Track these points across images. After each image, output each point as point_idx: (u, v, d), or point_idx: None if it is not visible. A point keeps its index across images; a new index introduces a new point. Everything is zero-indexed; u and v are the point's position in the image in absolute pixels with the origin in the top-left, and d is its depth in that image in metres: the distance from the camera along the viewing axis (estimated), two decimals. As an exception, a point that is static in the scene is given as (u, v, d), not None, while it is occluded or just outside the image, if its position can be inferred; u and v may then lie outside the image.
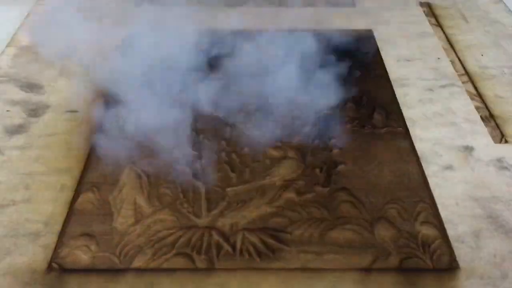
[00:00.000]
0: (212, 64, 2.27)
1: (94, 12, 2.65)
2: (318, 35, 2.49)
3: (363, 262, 1.48)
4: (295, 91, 2.11)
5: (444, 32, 2.57)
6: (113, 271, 1.45)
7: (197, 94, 2.07)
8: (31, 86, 2.13)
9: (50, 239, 1.53)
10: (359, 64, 2.30)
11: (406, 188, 1.71)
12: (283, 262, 1.48)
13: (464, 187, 1.72)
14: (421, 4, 2.80)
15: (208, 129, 1.93)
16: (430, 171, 1.77)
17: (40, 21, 2.58)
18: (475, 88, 2.18)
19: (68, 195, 1.67)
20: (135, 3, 2.80)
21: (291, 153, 1.83)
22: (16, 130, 1.91)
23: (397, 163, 1.80)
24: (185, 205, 1.64)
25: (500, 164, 1.80)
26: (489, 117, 2.02)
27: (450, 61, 2.34)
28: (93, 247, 1.51)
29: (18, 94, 2.08)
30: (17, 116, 1.98)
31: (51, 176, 1.73)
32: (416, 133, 1.93)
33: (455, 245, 1.53)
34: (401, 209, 1.63)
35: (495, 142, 1.90)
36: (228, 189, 1.70)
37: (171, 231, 1.56)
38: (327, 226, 1.58)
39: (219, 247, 1.52)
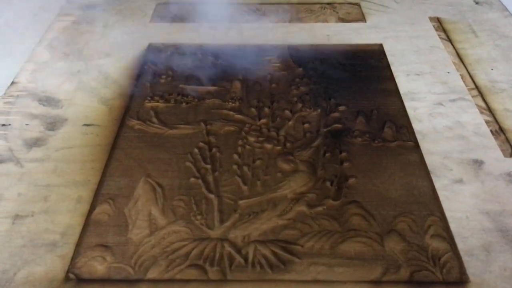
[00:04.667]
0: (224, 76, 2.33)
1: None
2: (329, 50, 2.54)
3: (374, 274, 1.50)
4: (305, 105, 2.15)
5: (453, 46, 2.59)
6: (128, 282, 1.49)
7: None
8: (49, 100, 2.19)
9: (67, 249, 1.58)
10: (369, 78, 2.33)
11: (416, 201, 1.73)
12: (294, 274, 1.51)
13: (474, 200, 1.73)
14: (431, 19, 2.83)
15: (220, 142, 1.97)
16: (440, 184, 1.79)
17: (59, 37, 2.66)
18: (485, 102, 2.20)
19: (84, 206, 1.71)
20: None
21: (302, 167, 1.86)
22: (35, 143, 1.97)
23: (407, 177, 1.82)
24: (198, 217, 1.67)
25: (510, 178, 1.81)
26: (499, 131, 2.03)
27: (460, 75, 2.36)
28: (108, 258, 1.55)
29: (37, 108, 2.14)
30: (35, 130, 2.03)
31: (68, 188, 1.78)
32: (426, 146, 1.95)
33: (465, 258, 1.54)
34: (411, 222, 1.65)
35: (505, 156, 1.91)
36: (240, 201, 1.73)
37: (184, 243, 1.59)
38: (338, 238, 1.60)
39: (231, 259, 1.55)
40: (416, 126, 2.05)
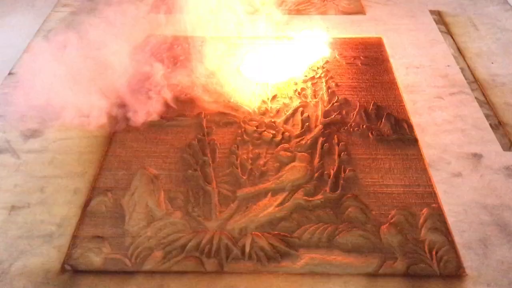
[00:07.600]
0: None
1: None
2: (328, 42, 2.52)
3: (370, 267, 1.50)
4: (304, 97, 2.14)
5: (454, 40, 2.58)
6: (124, 273, 1.48)
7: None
8: (47, 92, 2.17)
9: (64, 240, 1.57)
10: (369, 71, 2.32)
11: (414, 194, 1.72)
12: (291, 266, 1.50)
13: (472, 194, 1.72)
14: (431, 12, 2.81)
15: (218, 133, 1.96)
16: (439, 177, 1.78)
17: (56, 28, 2.64)
18: (485, 95, 2.18)
19: (81, 198, 1.71)
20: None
21: (300, 158, 1.85)
22: (32, 134, 1.96)
23: (405, 170, 1.81)
24: (196, 208, 1.67)
25: (509, 171, 1.80)
26: (498, 125, 2.02)
27: (460, 68, 2.35)
28: (105, 249, 1.55)
29: (34, 99, 2.12)
30: (32, 121, 2.02)
31: (65, 179, 1.78)
32: (425, 140, 1.94)
33: (462, 252, 1.54)
34: (409, 215, 1.64)
35: (504, 149, 1.90)
36: (238, 193, 1.73)
37: (181, 234, 1.59)
38: (335, 231, 1.60)
39: (228, 250, 1.54)
40: (415, 119, 2.04)
